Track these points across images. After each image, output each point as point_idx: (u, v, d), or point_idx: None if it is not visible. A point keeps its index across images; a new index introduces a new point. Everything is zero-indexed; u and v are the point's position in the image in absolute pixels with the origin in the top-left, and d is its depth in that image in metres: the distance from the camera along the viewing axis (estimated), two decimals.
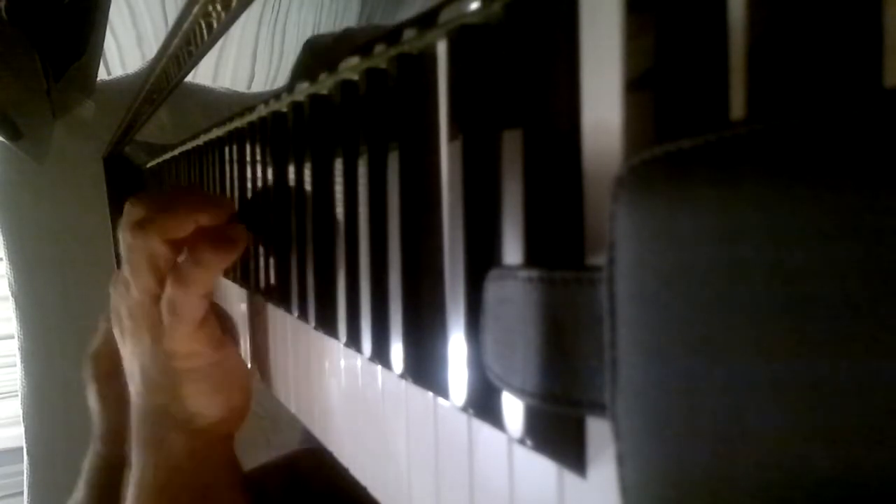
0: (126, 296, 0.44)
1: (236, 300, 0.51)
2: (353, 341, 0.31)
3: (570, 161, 0.18)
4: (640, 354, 0.14)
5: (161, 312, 0.41)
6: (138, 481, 0.43)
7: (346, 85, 0.31)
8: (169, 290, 0.40)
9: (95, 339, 0.67)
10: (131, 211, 0.43)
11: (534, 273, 0.18)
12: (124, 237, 0.42)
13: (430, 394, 0.25)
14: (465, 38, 0.23)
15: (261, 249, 0.45)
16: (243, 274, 0.49)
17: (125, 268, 0.43)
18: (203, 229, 0.41)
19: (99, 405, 0.65)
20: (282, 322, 0.42)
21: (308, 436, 0.47)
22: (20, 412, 1.05)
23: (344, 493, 0.37)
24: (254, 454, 0.57)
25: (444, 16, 0.23)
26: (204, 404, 0.43)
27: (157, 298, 0.41)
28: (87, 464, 0.65)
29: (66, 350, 1.03)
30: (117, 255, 0.95)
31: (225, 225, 0.42)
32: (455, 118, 0.23)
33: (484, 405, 0.22)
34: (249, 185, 0.47)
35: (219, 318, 0.45)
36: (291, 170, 0.39)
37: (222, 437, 0.46)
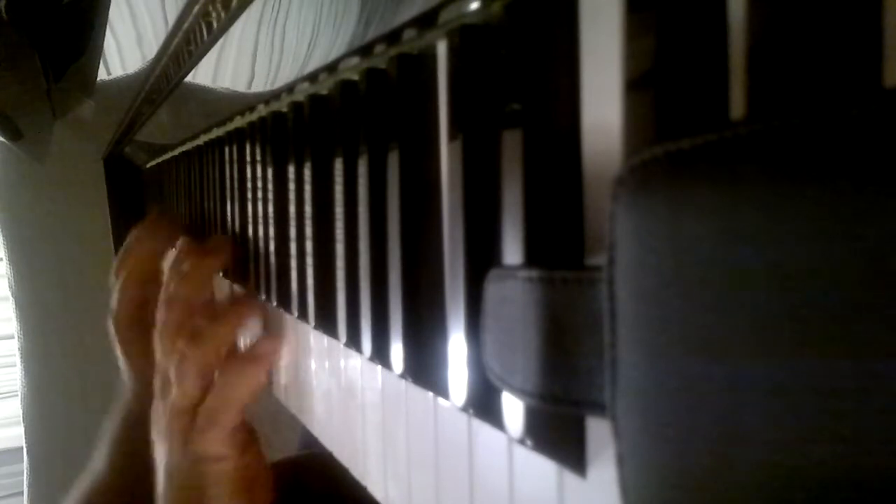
0: (166, 399, 0.46)
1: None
2: (353, 341, 0.31)
3: (570, 161, 0.18)
4: (640, 354, 0.14)
5: (194, 417, 0.43)
6: None
7: (346, 85, 0.31)
8: (210, 399, 0.43)
9: (112, 302, 0.67)
10: (185, 317, 0.47)
11: (534, 273, 0.18)
12: (179, 347, 0.45)
13: (430, 394, 0.25)
14: (465, 38, 0.23)
15: (261, 250, 0.45)
16: (243, 274, 0.49)
17: (172, 372, 0.45)
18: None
19: (127, 364, 0.65)
20: (281, 322, 0.42)
21: (308, 436, 0.47)
22: (20, 412, 1.05)
23: (345, 497, 0.37)
24: None
25: (444, 16, 0.23)
26: None
27: (194, 404, 0.44)
28: (113, 417, 0.65)
29: (66, 350, 1.03)
30: (118, 254, 0.95)
31: (262, 340, 0.44)
32: (455, 118, 0.23)
33: (484, 405, 0.22)
34: (249, 185, 0.47)
35: (249, 427, 0.47)
36: (291, 170, 0.39)
37: None
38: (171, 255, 0.62)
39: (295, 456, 0.67)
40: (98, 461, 0.63)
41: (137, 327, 0.62)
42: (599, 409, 0.16)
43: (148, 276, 0.63)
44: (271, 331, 0.45)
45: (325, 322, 0.35)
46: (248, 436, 0.45)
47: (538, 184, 0.19)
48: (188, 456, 0.43)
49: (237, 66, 0.41)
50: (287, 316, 0.41)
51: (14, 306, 1.04)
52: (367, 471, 0.31)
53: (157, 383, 0.48)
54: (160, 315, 0.50)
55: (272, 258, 0.43)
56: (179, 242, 0.61)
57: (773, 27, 0.13)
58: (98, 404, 1.01)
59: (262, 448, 0.47)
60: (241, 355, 0.44)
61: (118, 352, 0.65)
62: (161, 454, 0.46)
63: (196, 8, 0.36)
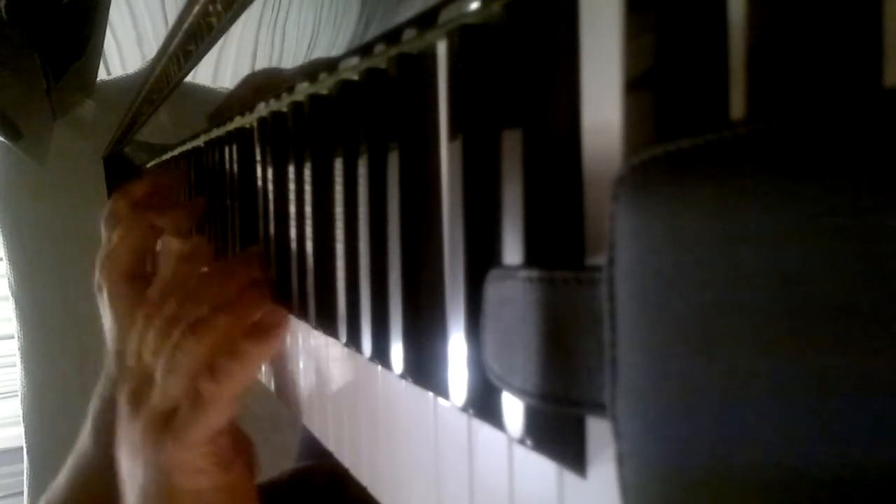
0: (141, 404, 0.39)
1: None
2: (353, 341, 0.31)
3: (570, 161, 0.18)
4: (639, 354, 0.14)
5: (170, 422, 0.37)
6: None
7: (346, 85, 0.31)
8: (201, 383, 0.36)
9: (109, 248, 0.58)
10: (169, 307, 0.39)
11: (534, 273, 0.18)
12: (174, 337, 0.37)
13: (430, 394, 0.25)
14: (465, 38, 0.23)
15: (261, 250, 0.45)
16: None
17: (160, 368, 0.38)
18: (243, 320, 0.38)
19: (112, 315, 0.56)
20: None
21: (308, 436, 0.47)
22: (20, 412, 1.05)
23: None
24: None
25: (444, 16, 0.23)
26: None
27: (175, 408, 0.37)
28: (94, 401, 0.59)
29: (66, 350, 1.03)
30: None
31: (265, 312, 0.37)
32: (455, 118, 0.23)
33: (484, 405, 0.22)
34: (249, 185, 0.47)
35: (236, 440, 0.39)
36: (291, 170, 0.39)
37: None
38: (179, 243, 0.58)
39: (300, 467, 0.67)
40: (84, 439, 0.57)
41: (129, 269, 0.55)
42: (599, 409, 0.16)
43: (147, 241, 0.57)
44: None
45: (325, 322, 0.35)
46: (232, 450, 0.38)
47: (538, 184, 0.19)
48: (161, 470, 0.36)
49: (237, 66, 0.41)
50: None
51: (14, 306, 1.04)
52: (368, 471, 0.31)
53: (126, 392, 0.40)
54: (145, 313, 0.42)
55: (272, 258, 0.43)
56: (189, 243, 0.57)
57: (773, 27, 0.13)
58: None
59: (250, 467, 0.40)
60: (236, 335, 0.36)
61: (107, 295, 0.56)
62: (131, 473, 0.39)
63: (196, 8, 0.36)
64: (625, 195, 0.14)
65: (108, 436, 0.53)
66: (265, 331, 0.37)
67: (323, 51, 0.32)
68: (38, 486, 1.04)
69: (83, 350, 1.02)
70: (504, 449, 0.21)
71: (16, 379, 1.06)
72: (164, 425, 0.36)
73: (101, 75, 0.65)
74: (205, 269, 0.44)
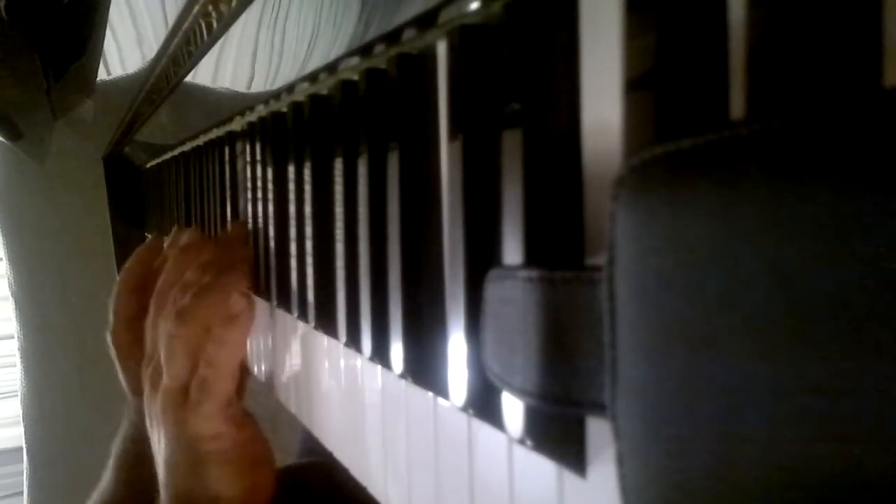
0: (157, 386, 0.45)
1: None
2: (353, 341, 0.31)
3: (570, 161, 0.18)
4: (640, 354, 0.14)
5: (186, 398, 0.42)
6: None
7: (346, 85, 0.31)
8: (200, 370, 0.41)
9: (109, 315, 0.65)
10: (169, 298, 0.45)
11: (534, 273, 0.18)
12: (166, 327, 0.43)
13: (430, 394, 0.25)
14: (465, 38, 0.23)
15: (261, 250, 0.45)
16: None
17: (162, 354, 0.44)
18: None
19: (126, 378, 0.63)
20: (282, 322, 0.43)
21: (308, 436, 0.47)
22: (20, 412, 1.05)
23: None
24: None
25: (444, 16, 0.23)
26: (228, 486, 0.42)
27: (184, 385, 0.43)
28: (118, 436, 0.63)
29: (66, 350, 1.04)
30: (118, 258, 0.94)
31: (231, 301, 0.43)
32: (455, 118, 0.23)
33: (484, 405, 0.22)
34: (249, 185, 0.47)
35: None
36: (291, 170, 0.39)
37: None
38: (175, 238, 0.59)
39: (299, 463, 0.67)
40: (105, 480, 0.61)
41: (134, 336, 0.60)
42: (599, 409, 0.16)
43: (141, 282, 0.60)
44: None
45: (325, 322, 0.35)
46: (242, 412, 0.44)
47: (538, 184, 0.19)
48: (185, 440, 0.42)
49: (237, 66, 0.41)
50: (282, 314, 0.41)
51: (14, 306, 1.04)
52: (368, 471, 0.31)
53: (147, 374, 0.47)
54: (153, 305, 0.49)
55: (272, 258, 0.43)
56: (185, 234, 0.58)
57: (773, 27, 0.13)
58: (98, 404, 1.01)
59: (259, 427, 0.45)
60: (222, 319, 0.43)
61: (118, 367, 0.63)
62: (158, 446, 0.45)
63: (196, 8, 0.36)
64: (625, 195, 0.14)
65: (130, 472, 0.59)
66: (235, 319, 0.42)
67: (323, 51, 0.32)
68: (37, 486, 1.04)
69: (83, 350, 1.02)
70: (504, 449, 0.21)
71: (16, 379, 1.06)
72: (179, 401, 0.42)
73: (101, 75, 0.65)
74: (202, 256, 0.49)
